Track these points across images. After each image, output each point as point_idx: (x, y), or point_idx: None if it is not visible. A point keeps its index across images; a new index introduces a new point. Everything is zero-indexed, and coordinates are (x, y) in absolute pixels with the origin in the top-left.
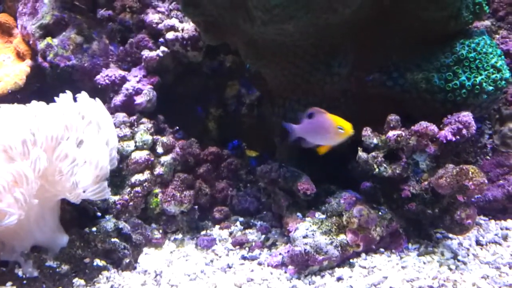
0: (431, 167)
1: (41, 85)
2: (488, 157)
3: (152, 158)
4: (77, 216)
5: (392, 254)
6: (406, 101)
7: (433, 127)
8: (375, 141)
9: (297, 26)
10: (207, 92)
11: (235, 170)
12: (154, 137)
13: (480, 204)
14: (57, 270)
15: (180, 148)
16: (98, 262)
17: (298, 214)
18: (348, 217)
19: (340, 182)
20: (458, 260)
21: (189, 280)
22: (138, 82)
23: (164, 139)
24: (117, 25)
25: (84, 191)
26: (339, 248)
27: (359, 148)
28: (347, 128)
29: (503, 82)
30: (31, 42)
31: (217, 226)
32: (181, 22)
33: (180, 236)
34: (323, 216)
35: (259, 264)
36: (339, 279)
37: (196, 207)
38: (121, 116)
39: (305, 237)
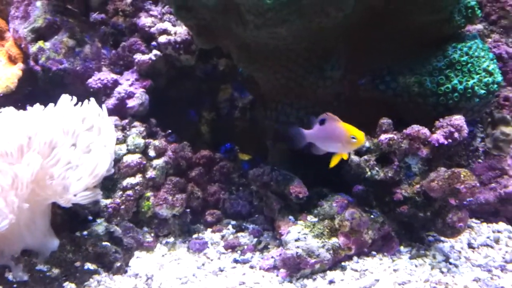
0: (423, 170)
1: (33, 88)
2: (480, 160)
3: (144, 162)
4: (68, 219)
5: (384, 257)
6: (398, 104)
7: (425, 131)
8: (367, 144)
9: (290, 30)
10: (200, 95)
11: (228, 173)
12: (146, 140)
13: (472, 207)
14: (48, 274)
15: (172, 152)
16: (89, 265)
17: (290, 217)
18: (340, 220)
19: (332, 185)
20: (450, 263)
21: (181, 283)
22: (130, 85)
23: (156, 142)
24: (109, 29)
25: (75, 195)
26: (331, 251)
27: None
28: (360, 137)
29: (495, 85)
30: (23, 45)
31: (209, 230)
32: (173, 25)
33: (172, 239)
34: (315, 219)
35: (251, 267)
36: (331, 282)
37: (188, 210)
38: (113, 119)
39: (297, 240)
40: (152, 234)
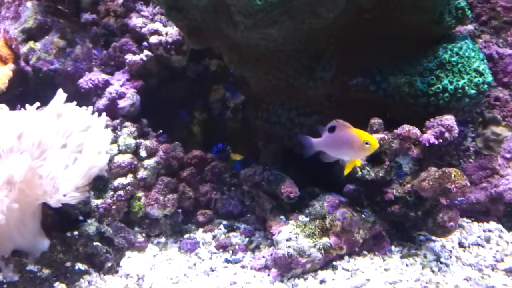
0: (414, 170)
1: (24, 89)
2: (471, 160)
3: (135, 162)
4: (58, 220)
5: (375, 256)
6: (389, 105)
7: (415, 131)
8: None
9: (281, 30)
10: (192, 96)
11: (219, 173)
12: (138, 140)
13: (463, 206)
14: (38, 274)
15: (163, 152)
16: (79, 266)
17: (282, 217)
18: (331, 220)
19: (324, 185)
20: (441, 262)
21: (172, 283)
22: (121, 86)
23: (148, 142)
24: (101, 29)
25: (64, 195)
26: (322, 251)
27: None
28: (374, 142)
29: (486, 86)
30: (13, 46)
31: (201, 230)
32: (165, 26)
33: (163, 239)
34: (307, 219)
35: (243, 267)
36: (322, 281)
37: (180, 210)
38: (104, 120)
39: (288, 240)
40: (144, 234)
